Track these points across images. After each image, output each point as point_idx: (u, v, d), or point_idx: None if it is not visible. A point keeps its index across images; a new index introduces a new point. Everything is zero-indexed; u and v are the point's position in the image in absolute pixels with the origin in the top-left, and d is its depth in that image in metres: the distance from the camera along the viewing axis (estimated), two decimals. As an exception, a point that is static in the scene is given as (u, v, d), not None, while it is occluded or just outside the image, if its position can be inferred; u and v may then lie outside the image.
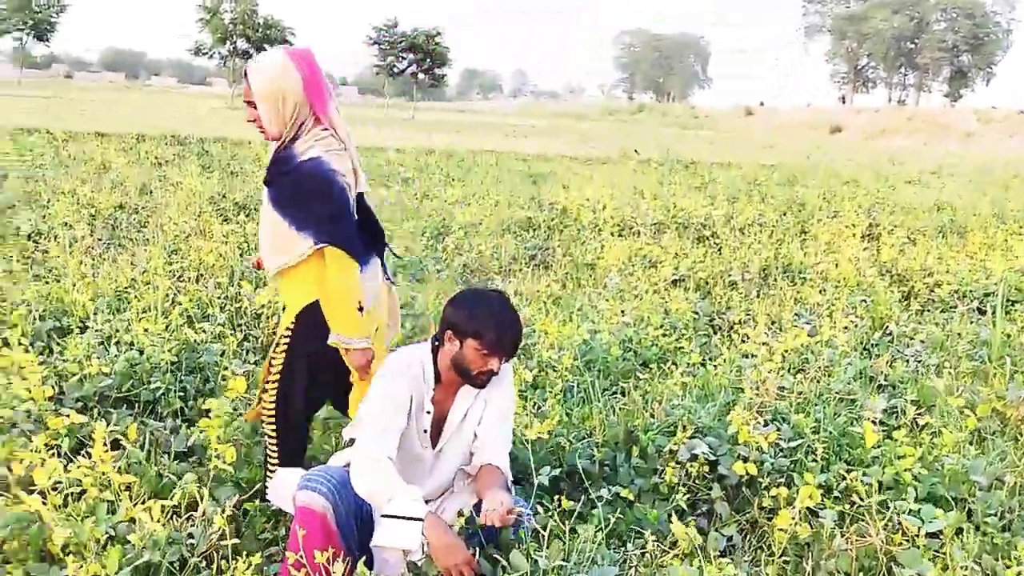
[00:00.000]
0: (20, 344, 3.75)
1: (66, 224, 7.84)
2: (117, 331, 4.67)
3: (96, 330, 4.68)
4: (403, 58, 64.43)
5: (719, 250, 8.94)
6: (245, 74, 2.96)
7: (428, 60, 64.30)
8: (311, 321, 2.99)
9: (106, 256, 6.92)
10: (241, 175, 14.29)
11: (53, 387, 3.70)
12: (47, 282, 5.82)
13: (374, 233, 3.22)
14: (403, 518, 2.46)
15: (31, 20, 59.47)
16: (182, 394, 4.07)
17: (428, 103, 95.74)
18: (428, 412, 2.83)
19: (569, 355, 4.69)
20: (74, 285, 5.57)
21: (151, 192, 11.25)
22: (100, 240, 7.51)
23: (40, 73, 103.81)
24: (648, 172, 19.69)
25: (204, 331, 4.78)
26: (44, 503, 2.69)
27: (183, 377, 4.20)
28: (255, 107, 2.94)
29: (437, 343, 2.84)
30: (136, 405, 3.97)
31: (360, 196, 3.13)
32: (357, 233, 3.02)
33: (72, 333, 4.64)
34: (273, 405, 3.12)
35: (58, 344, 4.52)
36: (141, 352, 4.28)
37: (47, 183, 11.06)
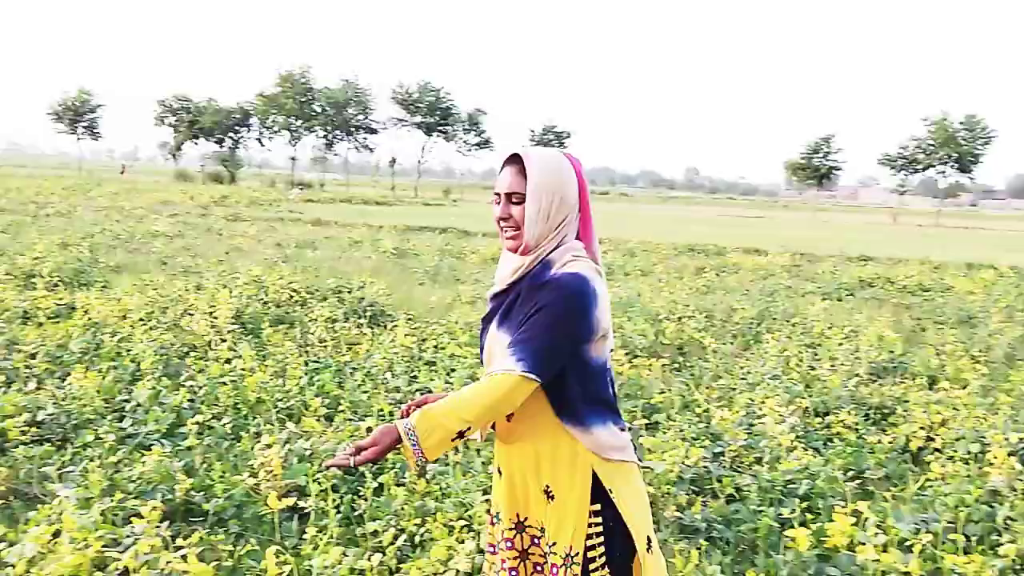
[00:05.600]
0: None
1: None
2: None
3: None
4: None
5: None
6: (514, 161, 2.28)
7: None
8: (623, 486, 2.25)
9: None
10: None
11: None
12: None
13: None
14: None
15: (956, 153, 61.71)
16: None
17: None
18: None
19: None
20: None
21: None
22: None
23: (946, 202, 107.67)
24: None
25: None
26: None
27: None
28: (514, 202, 2.26)
29: None
30: None
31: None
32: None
33: None
34: None
35: None
36: None
37: None
